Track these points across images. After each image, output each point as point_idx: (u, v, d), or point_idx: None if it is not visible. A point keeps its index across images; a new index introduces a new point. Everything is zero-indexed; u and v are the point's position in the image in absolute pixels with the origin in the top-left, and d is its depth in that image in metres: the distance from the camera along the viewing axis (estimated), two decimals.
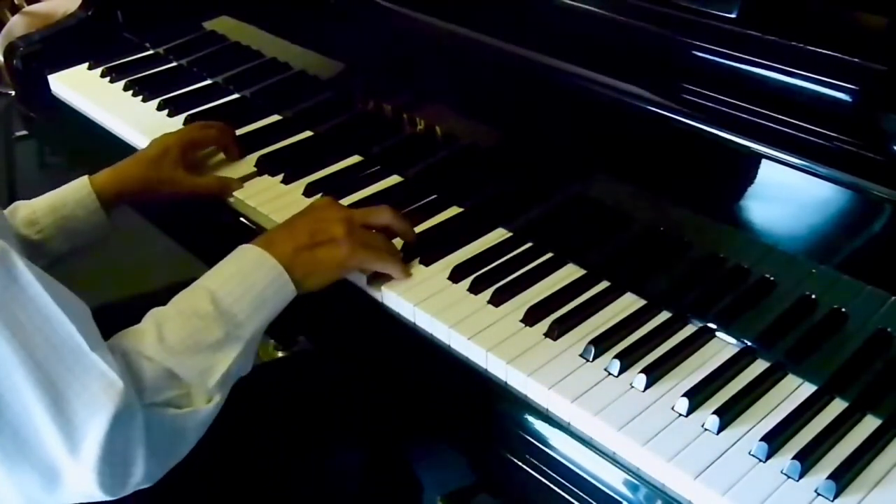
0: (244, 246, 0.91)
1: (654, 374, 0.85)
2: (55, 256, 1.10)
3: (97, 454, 0.70)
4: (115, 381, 0.71)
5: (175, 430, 0.79)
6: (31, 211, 1.09)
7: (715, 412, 0.81)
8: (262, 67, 1.38)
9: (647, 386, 0.84)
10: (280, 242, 0.92)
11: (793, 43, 0.85)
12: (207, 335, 0.82)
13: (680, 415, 0.82)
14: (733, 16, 0.88)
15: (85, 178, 1.12)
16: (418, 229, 1.07)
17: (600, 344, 0.89)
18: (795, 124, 0.83)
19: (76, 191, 1.11)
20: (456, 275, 0.99)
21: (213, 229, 1.23)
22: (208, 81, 1.46)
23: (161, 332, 0.81)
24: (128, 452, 0.73)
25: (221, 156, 1.25)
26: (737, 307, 0.90)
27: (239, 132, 1.29)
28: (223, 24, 1.44)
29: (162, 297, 1.28)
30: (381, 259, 0.97)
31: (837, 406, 0.83)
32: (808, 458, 0.77)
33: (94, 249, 1.16)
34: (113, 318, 1.21)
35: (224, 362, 0.82)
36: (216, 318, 0.83)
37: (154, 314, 0.84)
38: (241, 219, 1.16)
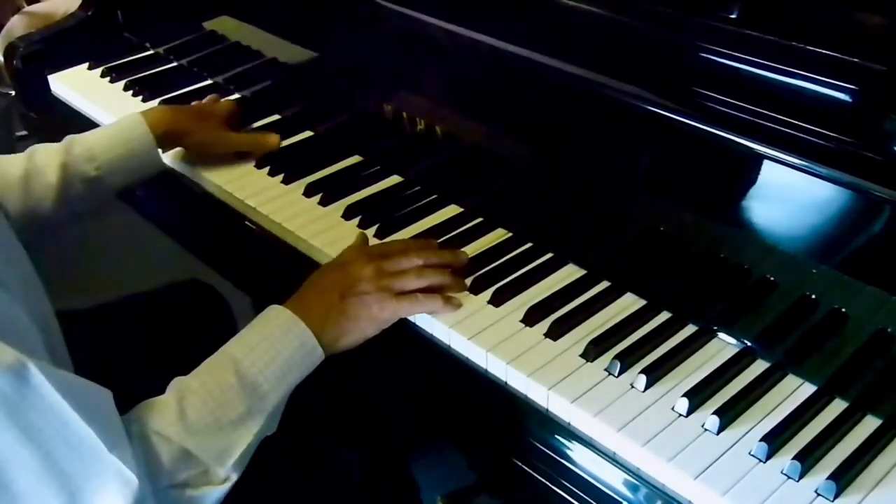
0: (275, 308, 0.89)
1: (654, 374, 0.85)
2: (111, 190, 1.13)
3: None
4: (130, 480, 0.71)
5: None
6: (87, 147, 1.11)
7: (715, 412, 0.81)
8: (262, 67, 1.38)
9: (647, 386, 0.84)
10: (310, 304, 0.90)
11: (793, 43, 0.85)
12: (229, 411, 0.81)
13: (680, 415, 0.82)
14: (733, 16, 0.88)
15: (139, 116, 1.15)
16: (418, 229, 1.07)
17: (600, 344, 0.89)
18: (795, 124, 0.83)
19: (133, 128, 1.14)
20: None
21: (214, 229, 1.23)
22: (208, 81, 1.46)
23: (182, 408, 0.79)
24: None
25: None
26: (737, 307, 0.90)
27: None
28: (223, 24, 1.44)
29: (162, 297, 1.29)
30: (419, 303, 0.93)
31: (837, 406, 0.83)
32: (808, 459, 0.76)
33: (94, 249, 1.16)
34: (113, 317, 1.22)
35: (244, 439, 0.81)
36: (239, 392, 0.82)
37: (177, 386, 0.82)
38: (242, 219, 1.16)
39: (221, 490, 0.80)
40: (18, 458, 0.67)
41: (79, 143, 1.11)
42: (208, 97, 1.30)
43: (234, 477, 0.81)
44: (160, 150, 1.15)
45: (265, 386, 0.83)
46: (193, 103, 1.28)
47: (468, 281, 0.98)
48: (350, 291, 0.91)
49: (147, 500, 0.73)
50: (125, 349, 1.13)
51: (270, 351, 0.85)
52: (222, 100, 1.30)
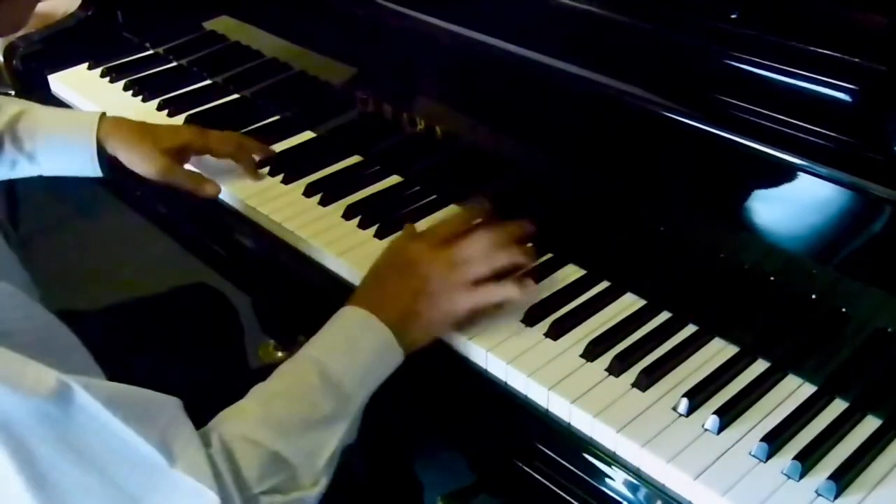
0: (350, 308, 0.86)
1: (654, 374, 0.85)
2: (39, 172, 1.12)
3: None
4: (204, 493, 0.67)
5: None
6: (32, 122, 1.10)
7: (715, 412, 0.81)
8: (262, 67, 1.38)
9: (647, 386, 0.84)
10: (387, 305, 0.86)
11: (793, 43, 0.85)
12: (316, 412, 0.78)
13: (680, 415, 0.82)
14: (733, 16, 0.88)
15: (95, 118, 1.13)
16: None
17: (600, 344, 0.89)
18: (795, 124, 0.83)
19: (82, 125, 1.12)
20: None
21: (214, 230, 1.23)
22: (208, 81, 1.46)
23: (267, 411, 0.77)
24: None
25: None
26: (736, 307, 0.90)
27: (239, 132, 1.29)
28: (223, 24, 1.44)
29: (170, 301, 1.29)
30: (493, 293, 0.90)
31: (837, 406, 0.83)
32: (808, 459, 0.76)
33: (94, 249, 1.16)
34: (114, 319, 1.22)
35: (332, 441, 0.78)
36: (325, 393, 0.79)
37: (258, 391, 0.80)
38: (242, 219, 1.16)
39: (312, 495, 0.76)
40: (81, 487, 0.64)
41: (29, 115, 1.10)
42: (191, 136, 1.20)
43: (325, 481, 0.78)
44: (103, 156, 1.13)
45: (349, 387, 0.80)
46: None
47: None
48: (423, 291, 0.88)
49: None
50: (134, 353, 1.12)
51: (351, 351, 0.82)
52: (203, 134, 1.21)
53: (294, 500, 0.75)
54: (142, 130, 1.15)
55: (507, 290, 0.90)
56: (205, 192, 1.14)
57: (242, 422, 0.76)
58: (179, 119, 1.35)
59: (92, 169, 1.14)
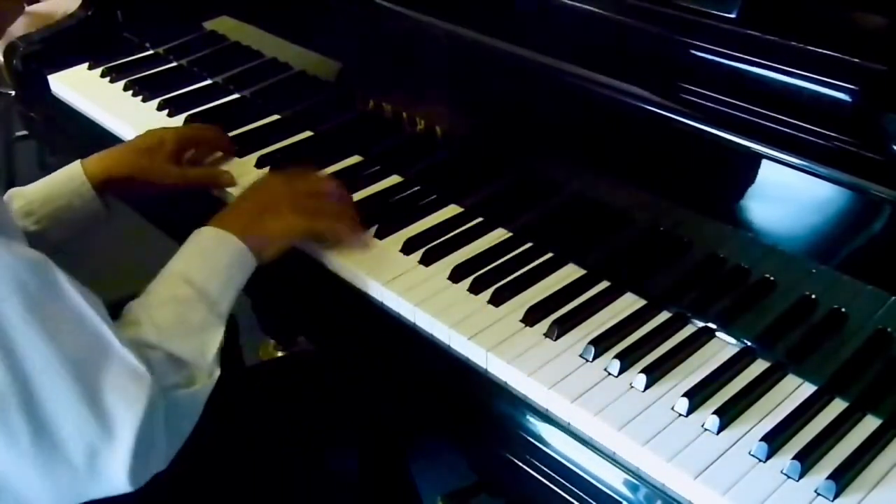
0: (200, 229, 0.95)
1: (654, 374, 0.85)
2: (54, 245, 1.09)
3: (131, 446, 0.73)
4: (143, 374, 0.74)
5: (185, 410, 0.82)
6: (26, 202, 1.09)
7: (715, 412, 0.81)
8: (262, 67, 1.38)
9: (647, 386, 0.84)
10: (232, 220, 0.96)
11: (793, 43, 0.85)
12: (194, 316, 0.86)
13: (680, 415, 0.82)
14: (733, 16, 0.89)
15: (77, 165, 1.12)
16: (418, 229, 1.07)
17: (600, 344, 0.89)
18: (795, 124, 0.83)
19: (70, 179, 1.12)
20: (456, 275, 0.99)
21: None
22: (208, 81, 1.46)
23: (153, 320, 0.83)
24: (154, 439, 0.76)
25: (219, 155, 1.25)
26: (737, 307, 0.90)
27: (239, 132, 1.29)
28: (223, 24, 1.44)
29: None
30: (328, 226, 1.02)
31: (837, 406, 0.83)
32: (808, 458, 0.77)
33: (94, 249, 1.16)
34: (113, 318, 1.22)
35: (215, 338, 0.86)
36: (197, 300, 0.87)
37: (136, 306, 0.86)
38: None
39: (209, 387, 0.84)
40: (41, 357, 0.69)
41: (18, 196, 1.09)
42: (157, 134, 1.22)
43: (217, 373, 0.85)
44: (102, 199, 1.12)
45: (214, 293, 0.89)
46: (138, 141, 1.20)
47: (469, 280, 0.98)
48: (268, 206, 0.99)
49: (159, 396, 0.76)
50: None
51: (209, 263, 0.91)
52: (180, 128, 1.26)
53: (194, 392, 0.82)
54: (132, 153, 1.16)
55: (340, 229, 1.03)
56: (223, 181, 1.18)
57: (136, 330, 0.82)
58: (179, 119, 1.35)
59: (100, 217, 1.14)
